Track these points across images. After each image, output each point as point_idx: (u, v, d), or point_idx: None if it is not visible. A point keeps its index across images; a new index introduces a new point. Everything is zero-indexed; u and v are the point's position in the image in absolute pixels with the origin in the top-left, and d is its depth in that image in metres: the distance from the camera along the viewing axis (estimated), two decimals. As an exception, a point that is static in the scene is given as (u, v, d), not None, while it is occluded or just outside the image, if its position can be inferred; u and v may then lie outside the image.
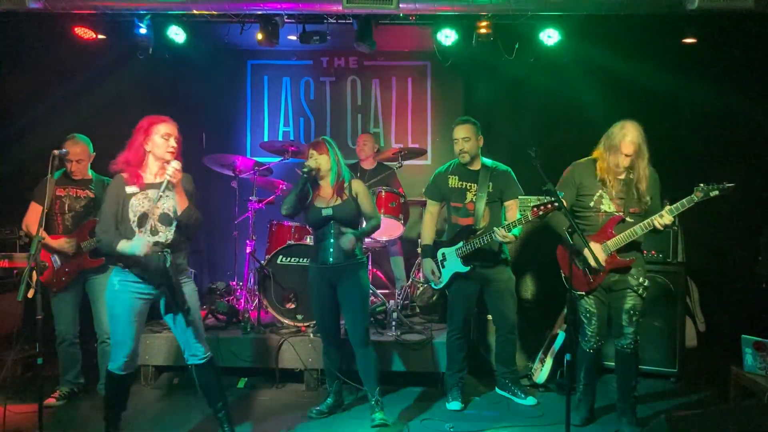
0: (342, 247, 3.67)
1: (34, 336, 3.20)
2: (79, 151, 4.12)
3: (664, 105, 5.79)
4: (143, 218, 3.27)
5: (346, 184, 3.78)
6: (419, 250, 5.61)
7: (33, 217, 4.04)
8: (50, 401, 4.04)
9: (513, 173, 4.17)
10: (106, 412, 3.42)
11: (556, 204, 3.35)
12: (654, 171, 3.63)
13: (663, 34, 5.37)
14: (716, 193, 3.35)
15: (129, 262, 3.24)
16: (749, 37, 5.27)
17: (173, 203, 3.32)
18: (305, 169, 3.69)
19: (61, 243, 4.04)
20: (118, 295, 3.25)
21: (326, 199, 3.77)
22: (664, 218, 3.44)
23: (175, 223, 3.33)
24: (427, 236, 4.25)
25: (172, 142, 3.31)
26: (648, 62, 5.58)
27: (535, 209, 3.45)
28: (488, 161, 4.18)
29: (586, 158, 3.75)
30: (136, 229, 3.26)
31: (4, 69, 5.92)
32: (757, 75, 5.47)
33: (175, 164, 3.25)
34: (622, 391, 3.74)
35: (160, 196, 3.29)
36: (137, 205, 3.28)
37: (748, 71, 5.52)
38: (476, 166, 4.14)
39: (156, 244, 3.26)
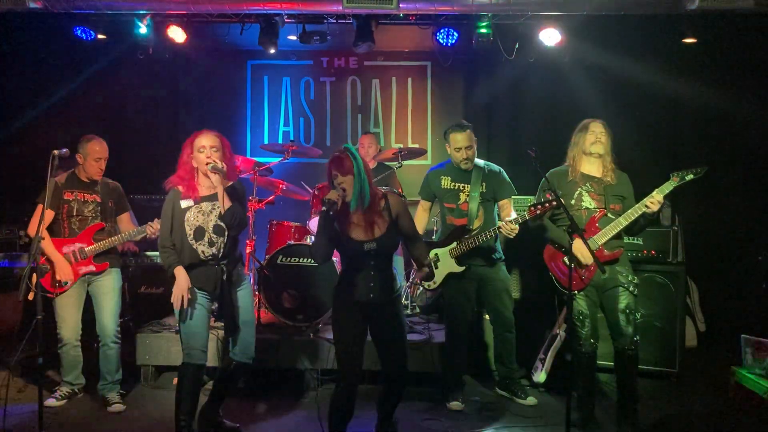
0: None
1: (35, 336, 3.20)
2: (99, 149, 4.12)
3: (664, 105, 5.79)
4: (199, 231, 3.42)
5: (383, 204, 3.16)
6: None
7: (38, 220, 4.00)
8: (50, 401, 4.03)
9: (505, 173, 4.18)
10: (179, 416, 3.36)
11: (554, 203, 3.47)
12: (624, 173, 3.79)
13: (663, 34, 5.38)
14: (691, 176, 3.52)
15: (189, 274, 3.39)
16: (749, 37, 5.27)
17: None
18: (326, 207, 2.99)
19: (62, 267, 3.99)
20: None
21: (363, 228, 3.12)
22: (654, 197, 3.52)
23: (227, 232, 3.46)
24: (418, 224, 4.29)
25: (207, 153, 3.39)
26: (648, 62, 5.58)
27: (532, 209, 3.61)
28: (480, 161, 4.19)
29: (558, 167, 3.87)
30: (194, 242, 3.41)
31: (4, 69, 5.92)
32: (757, 75, 5.47)
33: (209, 160, 3.37)
34: (622, 393, 3.74)
35: (212, 208, 3.43)
36: (192, 219, 3.42)
37: (748, 71, 5.52)
38: (469, 167, 4.15)
39: (213, 257, 3.42)
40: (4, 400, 3.57)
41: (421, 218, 4.36)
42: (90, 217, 4.11)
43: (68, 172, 4.15)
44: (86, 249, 4.05)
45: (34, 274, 3.56)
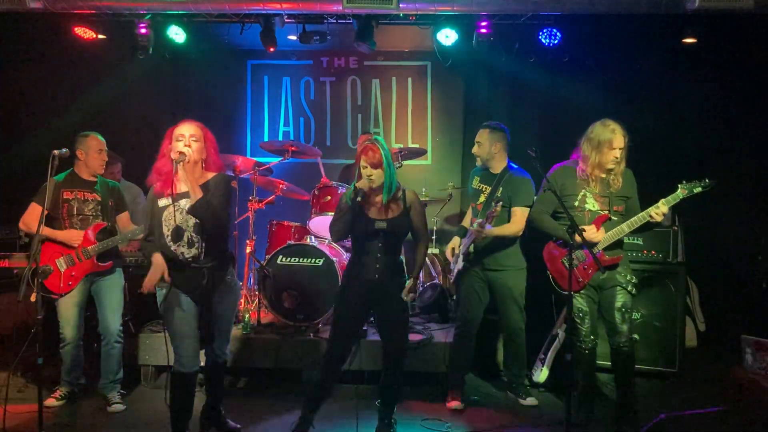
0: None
1: (35, 336, 3.20)
2: (99, 141, 4.12)
3: (664, 105, 5.79)
4: (177, 231, 3.27)
5: (400, 194, 3.39)
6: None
7: (31, 216, 3.98)
8: (50, 401, 4.02)
9: (530, 183, 4.09)
10: (175, 420, 3.33)
11: (499, 206, 3.68)
12: (630, 170, 3.75)
13: (663, 34, 5.37)
14: (699, 189, 3.52)
15: (173, 276, 3.27)
16: (749, 37, 5.27)
17: None
18: (359, 197, 3.23)
19: (71, 235, 3.98)
20: (171, 299, 3.29)
21: (378, 208, 3.36)
22: (660, 208, 3.52)
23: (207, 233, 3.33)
24: (465, 221, 4.38)
25: (185, 142, 3.27)
26: (648, 62, 5.58)
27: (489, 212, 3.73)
28: (513, 166, 4.15)
29: (564, 162, 3.84)
30: (173, 245, 3.28)
31: (4, 69, 5.92)
32: (757, 75, 5.47)
33: (181, 148, 3.23)
34: (621, 391, 3.76)
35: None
36: (169, 218, 3.27)
37: (748, 71, 5.52)
38: (497, 170, 4.14)
39: (194, 259, 3.29)
40: (4, 400, 3.57)
41: (468, 214, 4.38)
42: (91, 216, 4.09)
43: (65, 171, 4.12)
44: (89, 249, 4.04)
45: (37, 277, 3.58)
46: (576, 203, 3.71)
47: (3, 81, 5.98)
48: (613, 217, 3.67)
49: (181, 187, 3.28)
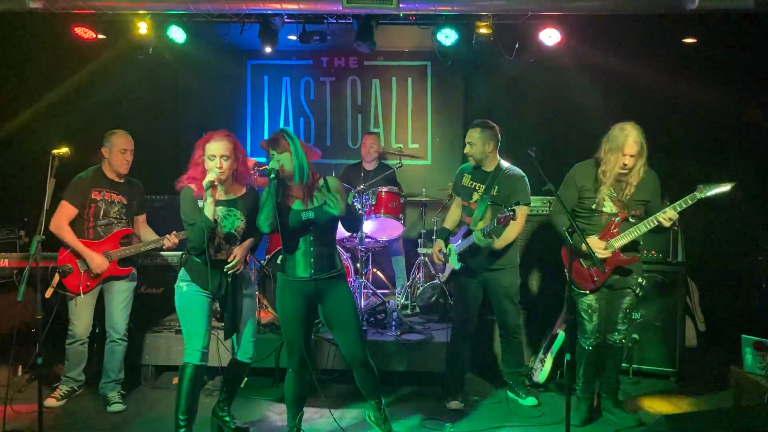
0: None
1: (35, 336, 3.21)
2: (124, 141, 4.09)
3: (664, 105, 5.79)
4: (210, 235, 3.33)
5: (321, 183, 3.33)
6: (419, 249, 5.66)
7: (64, 218, 3.92)
8: (50, 401, 4.01)
9: (525, 180, 4.06)
10: (179, 413, 3.33)
11: (511, 214, 3.58)
12: (653, 172, 3.72)
13: (663, 34, 5.37)
14: (717, 191, 3.46)
15: (194, 275, 3.37)
16: (749, 37, 5.27)
17: (241, 223, 3.43)
18: (272, 175, 3.14)
19: (94, 261, 3.93)
20: (187, 296, 3.39)
21: (302, 199, 3.28)
22: (668, 213, 3.52)
23: (239, 243, 3.44)
24: (446, 222, 4.34)
25: (217, 163, 3.30)
26: (648, 62, 5.58)
27: (500, 217, 3.66)
28: (504, 165, 4.10)
29: (586, 160, 3.83)
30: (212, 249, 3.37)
31: (3, 69, 5.92)
32: (757, 75, 5.47)
33: (211, 175, 3.26)
34: (607, 383, 3.92)
35: (228, 214, 3.39)
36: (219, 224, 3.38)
37: (748, 71, 5.52)
38: (489, 168, 4.09)
39: (219, 262, 3.38)
40: (4, 400, 3.57)
41: (451, 213, 4.33)
42: (115, 220, 4.05)
43: (94, 168, 4.09)
44: (111, 253, 4.02)
45: (57, 274, 3.71)
46: (594, 206, 3.72)
47: (3, 81, 5.98)
48: (631, 219, 3.68)
49: (218, 194, 3.36)
